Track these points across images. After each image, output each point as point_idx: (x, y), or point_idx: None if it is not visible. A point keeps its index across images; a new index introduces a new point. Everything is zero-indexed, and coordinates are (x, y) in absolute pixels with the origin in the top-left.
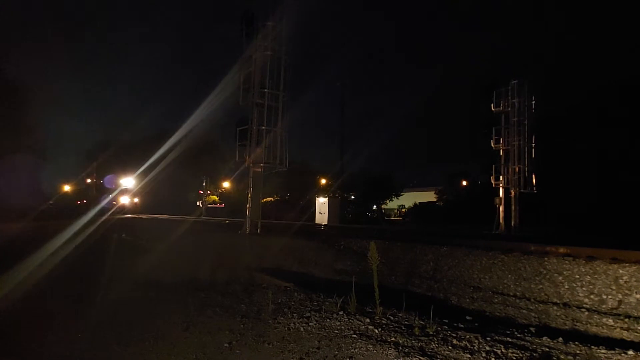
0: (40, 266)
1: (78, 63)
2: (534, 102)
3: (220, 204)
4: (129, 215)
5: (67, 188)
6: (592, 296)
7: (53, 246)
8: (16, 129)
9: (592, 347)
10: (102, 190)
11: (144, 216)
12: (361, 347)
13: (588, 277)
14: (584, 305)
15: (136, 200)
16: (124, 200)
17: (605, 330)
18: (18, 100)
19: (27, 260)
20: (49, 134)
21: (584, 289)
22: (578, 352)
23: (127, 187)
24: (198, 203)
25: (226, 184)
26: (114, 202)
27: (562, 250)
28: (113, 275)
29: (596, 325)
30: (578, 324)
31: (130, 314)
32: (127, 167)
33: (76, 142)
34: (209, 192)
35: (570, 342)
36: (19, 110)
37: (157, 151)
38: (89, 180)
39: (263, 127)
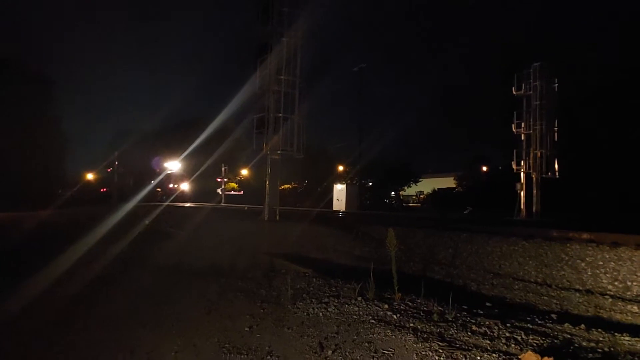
0: (65, 253)
1: (100, 56)
2: (556, 84)
3: (239, 191)
4: (153, 203)
5: (90, 176)
6: (616, 283)
7: (77, 234)
8: (43, 120)
9: (616, 334)
10: (140, 176)
11: (165, 204)
12: (380, 332)
13: (612, 263)
14: (608, 292)
15: (183, 187)
16: (171, 186)
17: (630, 318)
18: (45, 92)
19: (58, 254)
20: (74, 124)
21: (607, 275)
22: (601, 339)
23: (173, 170)
24: (218, 190)
25: (244, 172)
26: (158, 189)
27: (585, 236)
28: (137, 260)
29: (620, 312)
30: (601, 310)
31: (154, 297)
32: (150, 157)
33: (99, 132)
34: (225, 179)
35: (593, 329)
36: (46, 101)
37: (194, 141)
38: (110, 169)
39: (280, 115)
